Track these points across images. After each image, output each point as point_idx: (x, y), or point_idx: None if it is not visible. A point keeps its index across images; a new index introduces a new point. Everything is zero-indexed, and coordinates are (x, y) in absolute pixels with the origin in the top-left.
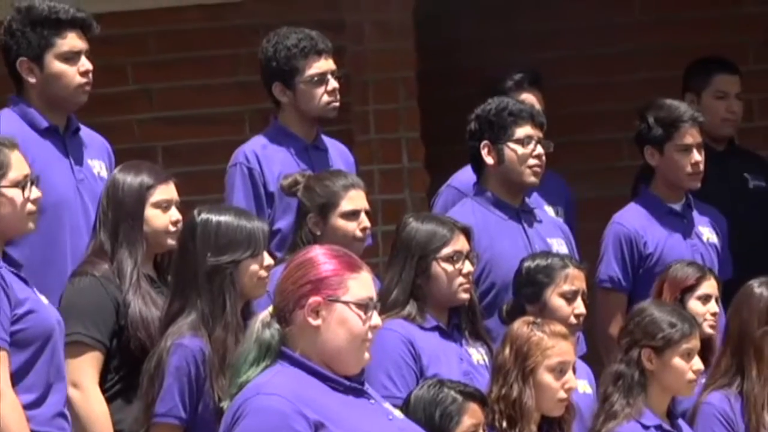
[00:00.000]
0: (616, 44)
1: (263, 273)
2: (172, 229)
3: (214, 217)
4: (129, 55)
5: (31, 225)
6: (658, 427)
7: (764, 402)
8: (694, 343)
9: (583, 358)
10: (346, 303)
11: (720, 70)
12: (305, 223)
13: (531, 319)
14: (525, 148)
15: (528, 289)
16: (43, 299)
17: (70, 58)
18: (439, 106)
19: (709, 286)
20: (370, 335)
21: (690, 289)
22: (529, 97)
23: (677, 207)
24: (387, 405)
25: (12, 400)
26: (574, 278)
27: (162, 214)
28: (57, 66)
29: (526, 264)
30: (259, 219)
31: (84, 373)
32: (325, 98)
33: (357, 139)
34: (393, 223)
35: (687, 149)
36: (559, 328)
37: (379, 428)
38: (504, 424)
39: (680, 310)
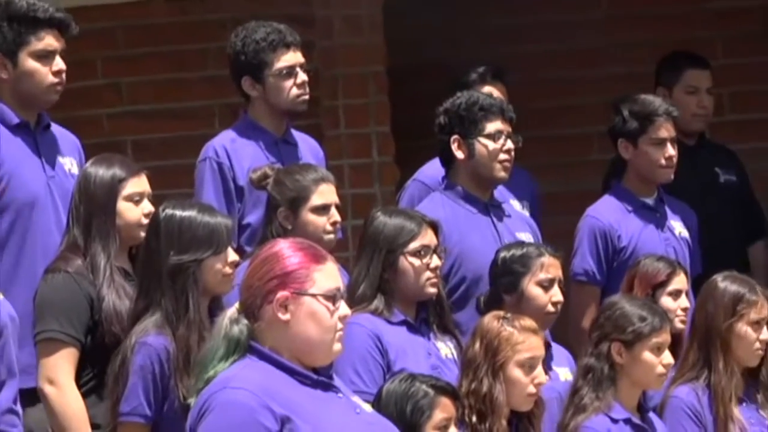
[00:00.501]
0: (585, 39)
1: (227, 270)
2: (145, 221)
3: (178, 213)
4: (98, 49)
5: None
6: (627, 420)
7: (731, 394)
8: (665, 337)
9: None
10: (313, 296)
11: (690, 65)
12: (275, 217)
13: (501, 313)
14: (496, 143)
15: (505, 279)
16: None
17: (44, 56)
18: (408, 101)
19: (680, 282)
20: (340, 325)
21: (661, 285)
22: (492, 91)
23: (650, 201)
24: (355, 398)
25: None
26: (549, 266)
27: (134, 207)
28: (30, 64)
29: (502, 254)
30: (222, 215)
31: (60, 370)
32: (295, 91)
33: (327, 133)
34: (363, 217)
35: (661, 143)
36: (529, 323)
37: (347, 422)
38: (474, 418)
39: (651, 304)
